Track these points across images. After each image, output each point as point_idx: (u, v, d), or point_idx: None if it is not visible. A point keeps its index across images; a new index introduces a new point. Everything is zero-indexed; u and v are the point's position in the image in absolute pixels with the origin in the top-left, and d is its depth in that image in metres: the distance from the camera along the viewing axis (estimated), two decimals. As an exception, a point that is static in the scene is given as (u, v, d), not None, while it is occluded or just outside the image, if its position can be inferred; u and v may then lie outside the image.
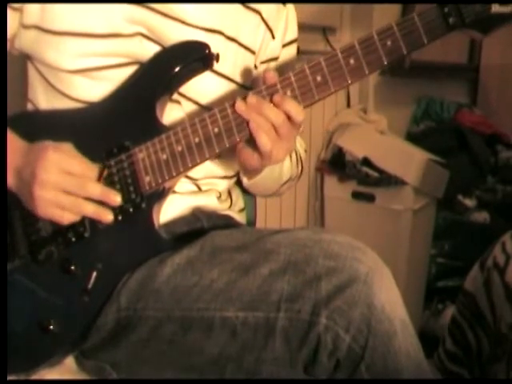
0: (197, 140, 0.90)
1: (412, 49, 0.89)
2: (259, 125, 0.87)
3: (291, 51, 1.11)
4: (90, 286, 0.89)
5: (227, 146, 0.90)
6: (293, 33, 1.10)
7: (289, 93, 0.89)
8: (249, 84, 1.04)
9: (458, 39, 2.92)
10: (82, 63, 0.94)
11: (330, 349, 0.77)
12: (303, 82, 0.89)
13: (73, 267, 0.90)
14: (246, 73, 1.04)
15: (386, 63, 0.89)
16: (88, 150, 0.91)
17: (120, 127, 0.93)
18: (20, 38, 0.97)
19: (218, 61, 0.94)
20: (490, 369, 1.41)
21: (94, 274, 0.89)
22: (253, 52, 1.05)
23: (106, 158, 0.91)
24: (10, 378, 0.89)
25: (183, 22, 0.96)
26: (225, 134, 0.89)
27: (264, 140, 0.88)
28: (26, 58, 1.02)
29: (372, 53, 0.88)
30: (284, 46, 1.09)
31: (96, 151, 0.91)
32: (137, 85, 0.94)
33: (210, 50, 0.92)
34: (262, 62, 1.07)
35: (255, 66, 1.07)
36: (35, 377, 0.91)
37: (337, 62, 0.88)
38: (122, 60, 0.95)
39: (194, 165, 0.91)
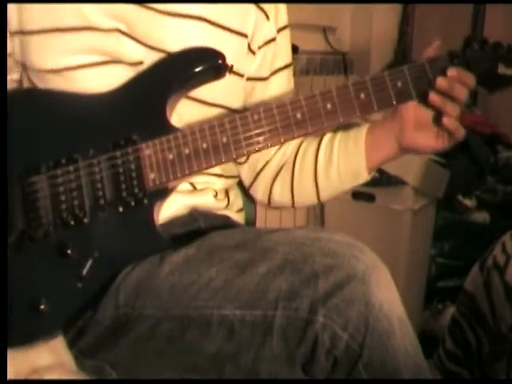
0: (204, 146, 0.90)
1: (420, 92, 0.93)
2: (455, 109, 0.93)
3: (286, 37, 1.11)
4: (84, 272, 0.89)
5: (234, 157, 0.91)
6: (284, 18, 1.11)
7: (299, 115, 0.91)
8: (242, 70, 1.04)
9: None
10: (60, 62, 0.94)
11: (327, 347, 0.77)
12: (313, 106, 0.91)
13: (69, 251, 0.90)
14: (237, 59, 1.02)
15: (395, 103, 0.93)
16: (95, 137, 0.92)
17: (129, 119, 0.94)
18: (9, 47, 0.98)
19: (230, 72, 0.96)
20: (490, 369, 1.41)
21: (90, 261, 0.89)
22: (244, 35, 1.03)
23: (113, 148, 0.92)
24: (9, 378, 0.89)
25: (161, 12, 0.96)
26: (233, 146, 0.90)
27: (460, 128, 0.98)
28: (21, 68, 1.02)
29: (382, 91, 0.92)
30: (279, 31, 1.09)
31: (103, 140, 0.92)
32: (152, 76, 0.95)
33: (224, 60, 0.93)
34: (261, 47, 1.06)
35: (252, 52, 1.06)
36: (35, 376, 0.92)
37: (347, 93, 0.91)
38: (100, 58, 0.95)
39: (200, 169, 0.92)
